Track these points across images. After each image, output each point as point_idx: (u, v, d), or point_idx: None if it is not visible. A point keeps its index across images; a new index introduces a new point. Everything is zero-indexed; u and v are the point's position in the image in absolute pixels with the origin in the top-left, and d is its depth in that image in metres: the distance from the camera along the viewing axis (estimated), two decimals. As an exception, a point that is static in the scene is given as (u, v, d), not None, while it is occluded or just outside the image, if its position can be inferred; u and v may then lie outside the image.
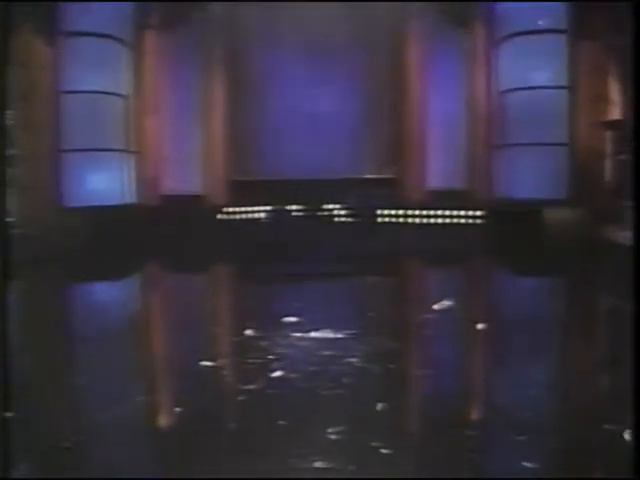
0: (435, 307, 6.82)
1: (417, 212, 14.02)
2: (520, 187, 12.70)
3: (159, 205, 13.41)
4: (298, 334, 5.71)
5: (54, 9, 11.92)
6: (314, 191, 13.53)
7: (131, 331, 6.48)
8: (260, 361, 4.93)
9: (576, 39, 12.47)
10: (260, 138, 14.24)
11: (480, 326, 6.02)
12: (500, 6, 13.06)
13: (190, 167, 13.76)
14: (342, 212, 14.18)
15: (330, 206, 14.13)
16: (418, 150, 13.96)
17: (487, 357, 5.40)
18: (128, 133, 12.95)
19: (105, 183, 12.49)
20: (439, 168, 13.73)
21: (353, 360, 4.95)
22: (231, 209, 13.84)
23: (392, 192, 13.98)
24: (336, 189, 13.73)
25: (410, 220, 13.96)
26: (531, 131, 12.41)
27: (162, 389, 4.80)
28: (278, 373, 4.63)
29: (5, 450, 2.95)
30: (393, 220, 13.97)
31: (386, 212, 14.05)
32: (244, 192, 13.65)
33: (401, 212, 14.05)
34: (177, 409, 4.09)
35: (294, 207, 14.04)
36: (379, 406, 4.03)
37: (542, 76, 12.55)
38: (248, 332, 5.81)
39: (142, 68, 13.35)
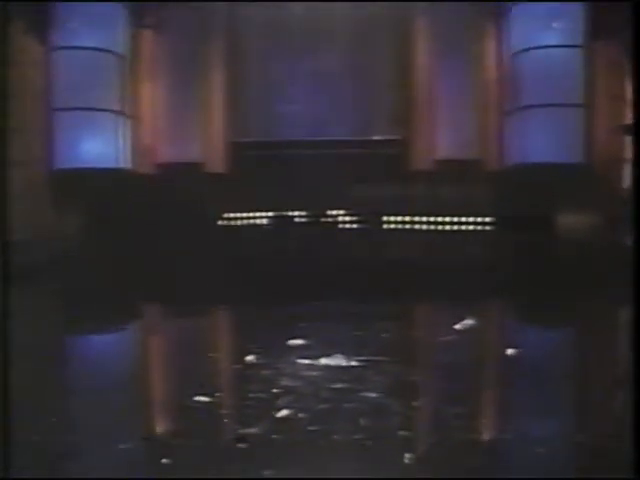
0: (457, 327, 6.16)
1: (424, 219, 13.46)
2: (533, 151, 12.03)
3: (155, 173, 12.86)
4: (306, 361, 5.05)
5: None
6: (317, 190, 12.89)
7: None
8: (263, 396, 4.26)
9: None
10: (261, 100, 13.61)
11: (510, 351, 5.35)
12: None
13: (188, 132, 13.12)
14: (347, 218, 13.61)
15: (334, 212, 13.55)
16: (426, 118, 13.26)
17: (526, 390, 4.70)
18: (124, 95, 12.35)
19: (100, 146, 11.87)
20: (448, 136, 13.07)
21: (370, 395, 4.28)
22: (232, 214, 13.28)
23: (399, 160, 13.28)
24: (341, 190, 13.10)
25: (417, 227, 13.38)
26: (544, 92, 11.76)
27: (144, 429, 4.10)
28: (283, 412, 3.96)
29: (5, 450, 2.90)
30: (400, 227, 13.38)
31: (392, 218, 13.47)
32: (244, 158, 12.99)
33: (408, 218, 13.48)
34: (164, 460, 3.43)
35: (296, 213, 13.47)
36: (406, 457, 3.36)
37: (555, 36, 11.93)
38: (249, 358, 5.14)
39: (140, 33, 12.85)
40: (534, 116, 11.95)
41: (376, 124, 13.70)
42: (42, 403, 4.25)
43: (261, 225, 13.23)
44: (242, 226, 13.06)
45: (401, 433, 3.69)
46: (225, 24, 13.54)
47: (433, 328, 6.39)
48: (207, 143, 13.32)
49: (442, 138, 13.12)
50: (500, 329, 6.82)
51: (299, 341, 5.62)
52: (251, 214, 13.08)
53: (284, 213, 13.09)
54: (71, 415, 4.17)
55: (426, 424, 3.99)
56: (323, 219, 13.30)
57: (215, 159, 13.33)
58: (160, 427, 4.08)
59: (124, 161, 12.25)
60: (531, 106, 12.04)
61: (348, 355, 5.16)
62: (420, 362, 5.30)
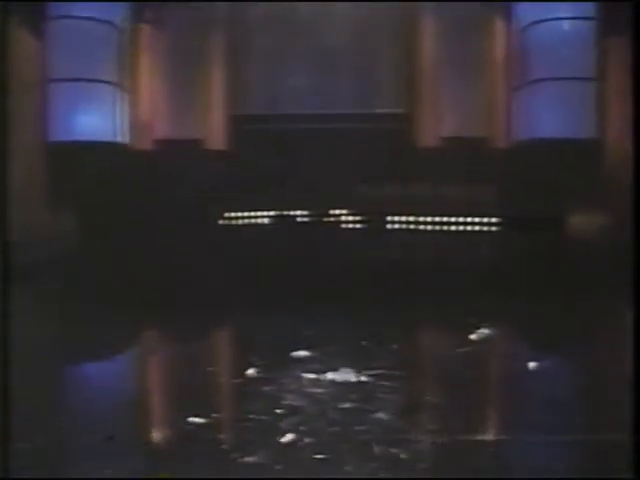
0: (472, 337, 5.74)
1: (429, 219, 13.09)
2: (542, 126, 11.51)
3: (152, 149, 12.35)
4: (311, 375, 4.62)
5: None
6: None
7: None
8: (264, 418, 3.84)
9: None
10: (263, 74, 13.12)
11: (533, 365, 4.92)
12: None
13: (188, 108, 12.61)
14: (350, 217, 13.24)
15: (337, 211, 13.19)
16: (432, 93, 12.71)
17: (558, 410, 4.26)
18: (123, 68, 11.83)
19: (96, 119, 11.36)
20: (455, 113, 12.62)
21: (384, 417, 3.86)
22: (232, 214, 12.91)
23: (404, 135, 12.84)
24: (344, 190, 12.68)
25: (422, 227, 13.01)
26: (555, 66, 11.28)
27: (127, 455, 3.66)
28: (288, 437, 3.54)
29: (5, 450, 2.88)
30: (404, 227, 13.01)
31: (396, 218, 13.11)
32: (246, 134, 12.46)
33: (412, 218, 13.11)
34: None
35: (298, 212, 13.10)
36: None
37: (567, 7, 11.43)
38: (250, 372, 4.72)
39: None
40: (545, 90, 11.54)
41: (380, 98, 13.25)
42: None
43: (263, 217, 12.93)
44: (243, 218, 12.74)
45: (420, 465, 3.28)
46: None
47: (448, 337, 5.94)
48: (207, 119, 12.88)
49: (448, 114, 12.68)
50: (519, 338, 6.37)
51: (303, 352, 5.20)
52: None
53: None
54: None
55: (446, 452, 3.56)
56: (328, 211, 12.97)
57: (216, 135, 12.90)
58: (145, 457, 3.62)
59: (121, 136, 11.79)
60: (542, 80, 11.64)
61: (356, 369, 4.74)
62: (436, 377, 4.87)
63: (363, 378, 4.58)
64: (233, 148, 12.55)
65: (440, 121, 12.60)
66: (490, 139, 12.48)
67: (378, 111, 13.05)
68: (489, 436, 3.89)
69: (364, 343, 5.62)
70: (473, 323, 5.97)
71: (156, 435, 3.88)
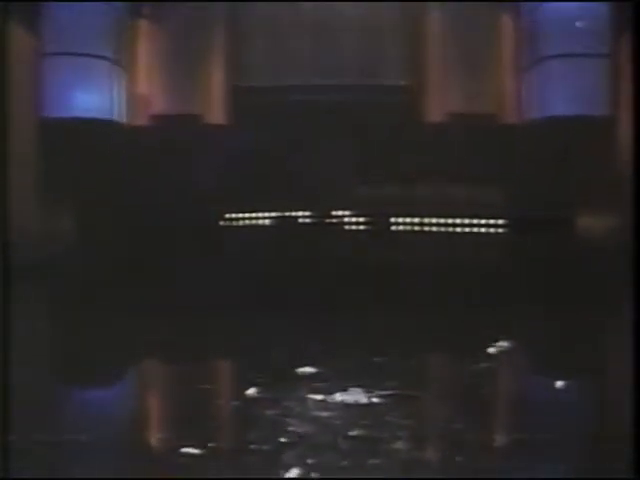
0: (491, 351, 5.32)
1: (434, 220, 12.73)
2: (553, 104, 11.29)
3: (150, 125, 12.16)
4: (318, 397, 4.21)
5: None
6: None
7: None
8: (266, 448, 3.42)
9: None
10: (264, 46, 12.86)
11: (560, 384, 4.50)
12: None
13: (186, 81, 12.32)
14: (353, 219, 12.89)
15: (339, 212, 12.83)
16: (438, 67, 12.52)
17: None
18: (121, 43, 11.67)
19: (92, 95, 11.16)
20: (462, 89, 12.23)
21: (400, 447, 3.44)
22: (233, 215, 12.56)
23: (409, 110, 12.43)
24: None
25: (427, 228, 12.65)
26: (566, 42, 11.07)
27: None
28: (293, 473, 3.12)
29: (5, 449, 2.84)
30: (408, 228, 12.65)
31: (401, 220, 12.76)
32: (246, 107, 12.17)
33: (417, 220, 12.76)
34: None
35: (300, 213, 12.74)
36: None
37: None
38: (251, 392, 4.30)
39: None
40: (554, 67, 11.18)
41: (385, 71, 12.86)
42: None
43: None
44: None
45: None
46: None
47: (464, 351, 5.50)
48: (206, 92, 12.54)
49: (455, 90, 12.30)
50: (540, 353, 5.92)
51: (309, 369, 4.78)
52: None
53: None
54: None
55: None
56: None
57: (215, 109, 12.53)
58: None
59: (118, 111, 11.60)
60: (551, 57, 11.27)
61: (367, 388, 4.32)
62: (455, 398, 4.43)
63: (375, 399, 4.16)
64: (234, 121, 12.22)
65: (447, 97, 12.28)
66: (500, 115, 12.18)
67: (385, 83, 12.71)
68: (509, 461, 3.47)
69: (375, 359, 5.21)
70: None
71: (144, 469, 3.43)
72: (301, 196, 12.22)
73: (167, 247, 10.17)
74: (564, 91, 11.23)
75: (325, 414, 3.92)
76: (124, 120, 11.82)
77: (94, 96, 11.18)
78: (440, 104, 12.37)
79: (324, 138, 11.85)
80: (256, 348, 5.68)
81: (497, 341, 5.43)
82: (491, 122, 12.10)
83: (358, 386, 4.34)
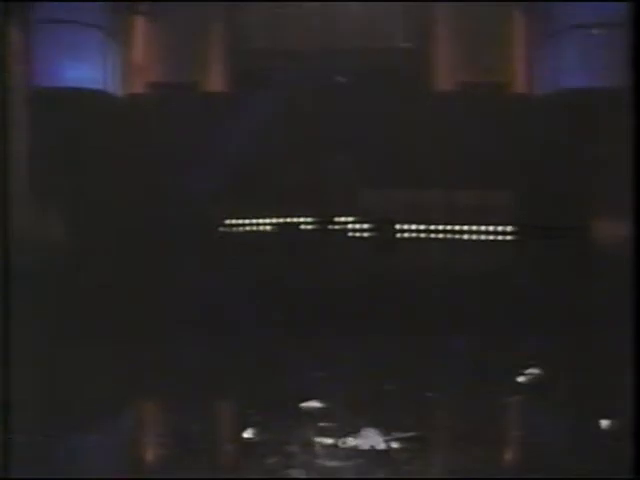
0: (521, 380, 4.70)
1: (441, 227, 12.12)
2: (569, 75, 10.68)
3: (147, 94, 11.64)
4: (326, 441, 3.59)
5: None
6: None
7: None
8: (266, 513, 2.81)
9: None
10: (263, 12, 12.20)
11: (605, 424, 3.88)
12: None
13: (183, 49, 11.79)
14: (357, 225, 12.30)
15: (343, 219, 12.25)
16: (447, 35, 11.87)
17: None
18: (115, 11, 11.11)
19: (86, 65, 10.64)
20: (473, 58, 11.62)
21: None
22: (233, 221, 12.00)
23: (417, 77, 11.89)
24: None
25: (434, 235, 12.05)
26: (581, 12, 10.43)
27: None
28: None
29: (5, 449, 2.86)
30: (414, 235, 12.05)
31: (406, 227, 12.16)
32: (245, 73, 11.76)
33: (423, 227, 12.15)
34: None
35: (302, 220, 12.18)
36: None
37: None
38: (247, 435, 3.69)
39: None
40: (571, 37, 10.64)
41: (391, 35, 12.30)
42: None
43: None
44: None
45: None
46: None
47: (490, 381, 4.84)
48: (204, 59, 12.05)
49: (465, 59, 11.74)
50: (575, 380, 5.24)
51: (314, 403, 4.17)
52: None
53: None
54: None
55: None
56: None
57: (212, 77, 12.07)
58: None
59: (112, 81, 11.09)
60: (568, 27, 10.72)
61: (383, 428, 3.71)
62: (487, 440, 3.78)
63: (393, 444, 3.55)
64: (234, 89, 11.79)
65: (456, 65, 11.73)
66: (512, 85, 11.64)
67: (387, 45, 12.16)
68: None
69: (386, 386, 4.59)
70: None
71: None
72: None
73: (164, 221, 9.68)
74: (581, 62, 10.70)
75: (335, 464, 3.31)
76: (120, 89, 11.36)
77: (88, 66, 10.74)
78: (449, 73, 11.86)
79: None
80: (254, 375, 5.04)
81: (526, 368, 4.81)
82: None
83: (372, 426, 3.73)
